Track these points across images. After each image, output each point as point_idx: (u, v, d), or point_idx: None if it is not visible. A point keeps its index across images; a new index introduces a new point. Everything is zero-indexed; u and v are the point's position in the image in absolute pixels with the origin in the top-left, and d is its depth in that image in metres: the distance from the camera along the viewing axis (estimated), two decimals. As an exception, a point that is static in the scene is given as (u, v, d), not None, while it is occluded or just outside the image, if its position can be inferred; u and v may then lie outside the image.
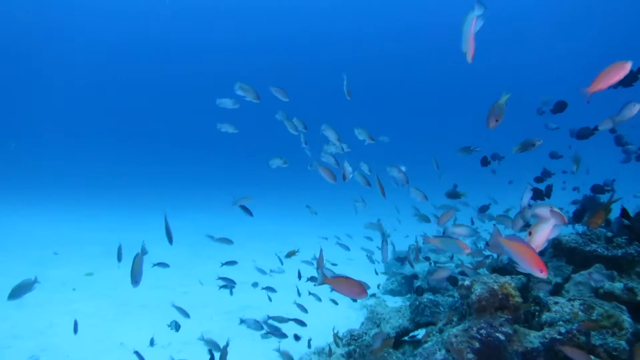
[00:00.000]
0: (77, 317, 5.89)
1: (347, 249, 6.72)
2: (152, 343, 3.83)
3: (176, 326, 4.28)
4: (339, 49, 39.05)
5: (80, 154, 37.10)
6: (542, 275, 1.97)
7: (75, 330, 4.03)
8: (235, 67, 41.34)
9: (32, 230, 11.83)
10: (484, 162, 4.67)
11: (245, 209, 4.72)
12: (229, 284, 4.94)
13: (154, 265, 5.23)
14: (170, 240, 3.46)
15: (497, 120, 2.43)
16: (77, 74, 40.97)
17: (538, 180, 4.83)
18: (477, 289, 2.70)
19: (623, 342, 2.61)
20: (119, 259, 4.08)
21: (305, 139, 4.58)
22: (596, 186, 4.48)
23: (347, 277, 2.25)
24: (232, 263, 5.35)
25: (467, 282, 2.77)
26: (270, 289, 5.20)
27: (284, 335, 3.90)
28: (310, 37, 38.07)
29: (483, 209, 5.19)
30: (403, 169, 4.28)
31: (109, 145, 40.76)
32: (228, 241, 4.92)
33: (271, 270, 6.95)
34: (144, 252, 3.06)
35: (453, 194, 4.91)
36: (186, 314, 4.21)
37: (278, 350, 3.68)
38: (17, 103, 41.13)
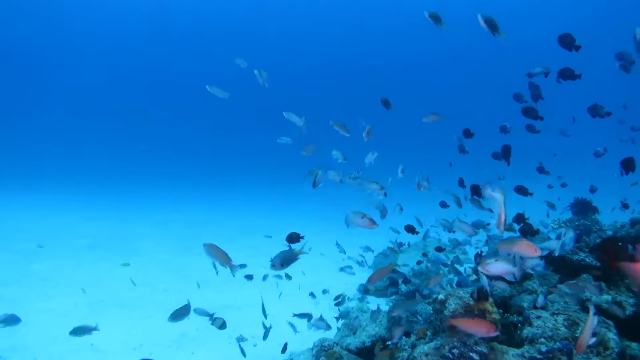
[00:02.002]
0: (51, 314, 5.74)
1: None
2: None
3: (222, 325, 4.03)
4: (336, 48, 38.59)
5: (71, 144, 36.91)
6: None
7: None
8: (232, 64, 40.79)
9: (17, 220, 11.64)
10: (461, 149, 4.63)
11: (292, 240, 4.47)
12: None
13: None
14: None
15: (282, 265, 2.55)
16: (73, 66, 40.66)
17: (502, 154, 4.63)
18: (452, 304, 2.50)
19: (607, 364, 2.41)
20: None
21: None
22: (517, 215, 4.32)
23: (475, 318, 2.38)
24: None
25: (441, 296, 2.57)
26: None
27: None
28: (306, 34, 37.52)
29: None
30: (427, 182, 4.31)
31: (99, 137, 40.58)
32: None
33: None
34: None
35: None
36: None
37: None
38: (12, 93, 40.78)
